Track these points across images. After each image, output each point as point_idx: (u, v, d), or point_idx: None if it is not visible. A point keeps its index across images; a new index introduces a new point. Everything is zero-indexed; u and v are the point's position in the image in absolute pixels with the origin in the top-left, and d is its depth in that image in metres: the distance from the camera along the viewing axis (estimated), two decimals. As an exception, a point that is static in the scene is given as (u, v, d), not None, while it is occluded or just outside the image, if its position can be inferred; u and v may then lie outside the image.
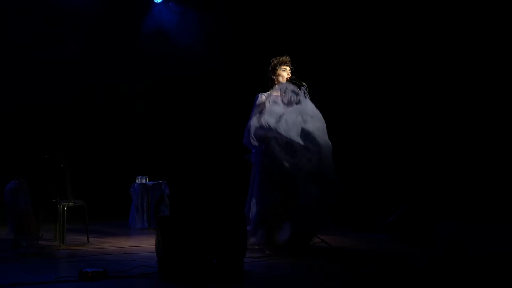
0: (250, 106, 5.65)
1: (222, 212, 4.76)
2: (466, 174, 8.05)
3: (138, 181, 7.78)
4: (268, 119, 5.32)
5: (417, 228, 6.03)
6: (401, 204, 6.32)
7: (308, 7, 8.74)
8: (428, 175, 8.12)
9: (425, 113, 8.35)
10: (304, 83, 5.56)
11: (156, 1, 9.63)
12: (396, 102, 8.39)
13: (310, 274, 4.40)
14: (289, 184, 5.22)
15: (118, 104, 9.35)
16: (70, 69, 8.94)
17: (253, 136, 5.40)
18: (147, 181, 7.81)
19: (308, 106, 5.43)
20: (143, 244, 5.87)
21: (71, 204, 5.88)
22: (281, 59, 5.67)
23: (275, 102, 5.58)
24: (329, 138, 5.48)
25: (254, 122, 5.42)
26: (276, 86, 5.64)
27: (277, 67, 5.66)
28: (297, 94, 5.46)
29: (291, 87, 5.50)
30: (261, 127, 5.34)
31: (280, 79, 5.65)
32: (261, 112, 5.48)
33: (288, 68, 5.67)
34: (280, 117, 5.32)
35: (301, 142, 5.27)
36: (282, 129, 5.27)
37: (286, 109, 5.41)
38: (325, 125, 5.42)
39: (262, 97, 5.61)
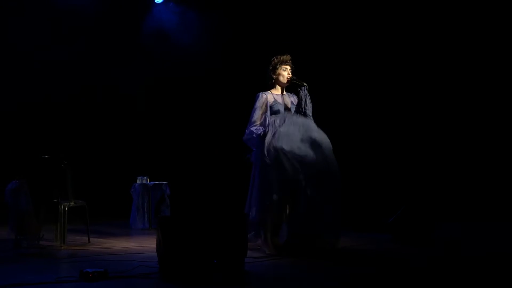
0: (250, 105, 5.65)
1: (222, 212, 4.77)
2: (466, 174, 8.05)
3: (138, 181, 7.79)
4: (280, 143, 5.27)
5: (417, 228, 6.03)
6: (401, 204, 6.32)
7: (309, 6, 8.74)
8: (428, 175, 8.12)
9: (425, 113, 8.35)
10: (305, 83, 5.56)
11: (156, 1, 9.63)
12: (396, 101, 8.39)
13: (310, 274, 4.40)
14: (289, 184, 5.22)
15: (119, 104, 9.36)
16: (70, 69, 8.95)
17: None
18: (148, 182, 7.81)
19: (312, 124, 5.43)
20: (144, 245, 5.88)
21: (72, 204, 5.89)
22: (281, 58, 5.67)
23: (276, 101, 5.59)
24: (329, 138, 5.50)
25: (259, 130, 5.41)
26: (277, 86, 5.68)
27: (277, 66, 5.66)
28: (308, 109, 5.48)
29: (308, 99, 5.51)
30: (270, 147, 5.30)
31: (281, 78, 5.65)
32: (263, 115, 5.49)
33: (288, 67, 5.67)
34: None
35: (303, 145, 5.28)
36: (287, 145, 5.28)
37: (289, 116, 5.41)
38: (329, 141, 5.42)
39: (263, 96, 5.61)
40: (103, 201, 8.25)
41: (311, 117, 5.49)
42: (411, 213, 6.13)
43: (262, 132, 5.38)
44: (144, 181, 7.80)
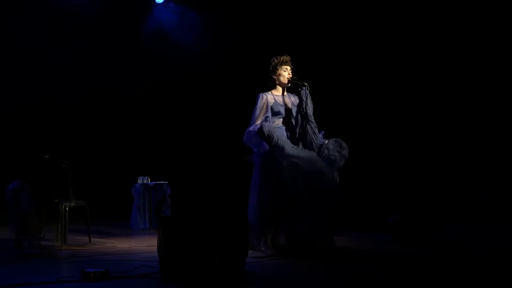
0: (250, 106, 5.65)
1: (223, 212, 4.77)
2: (467, 174, 8.05)
3: (139, 181, 7.80)
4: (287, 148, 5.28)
5: (418, 229, 6.02)
6: (403, 204, 6.31)
7: (309, 6, 8.74)
8: (430, 175, 8.11)
9: (426, 112, 8.34)
10: (306, 83, 5.56)
11: (157, 1, 9.63)
12: (397, 101, 8.38)
13: (311, 274, 4.40)
14: (290, 184, 5.22)
15: (119, 104, 9.36)
16: (70, 69, 8.96)
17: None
18: (149, 182, 7.82)
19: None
20: (145, 245, 5.88)
21: (73, 204, 5.89)
22: (281, 58, 5.67)
23: (276, 102, 5.60)
24: (330, 138, 5.52)
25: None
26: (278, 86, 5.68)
27: (278, 67, 5.66)
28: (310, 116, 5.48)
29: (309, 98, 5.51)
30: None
31: (282, 78, 5.66)
32: (264, 116, 5.50)
33: (289, 67, 5.68)
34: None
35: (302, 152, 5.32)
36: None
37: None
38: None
39: (263, 97, 5.61)
40: (104, 201, 8.26)
41: (312, 117, 5.49)
42: (412, 213, 6.12)
43: (258, 128, 5.36)
44: (145, 181, 7.80)
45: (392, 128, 8.37)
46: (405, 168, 8.16)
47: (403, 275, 4.29)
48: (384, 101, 8.45)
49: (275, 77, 5.67)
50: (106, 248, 5.65)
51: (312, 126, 5.47)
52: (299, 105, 5.54)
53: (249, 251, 4.48)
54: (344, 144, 5.46)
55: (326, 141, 5.48)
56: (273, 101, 5.60)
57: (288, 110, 5.63)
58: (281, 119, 5.61)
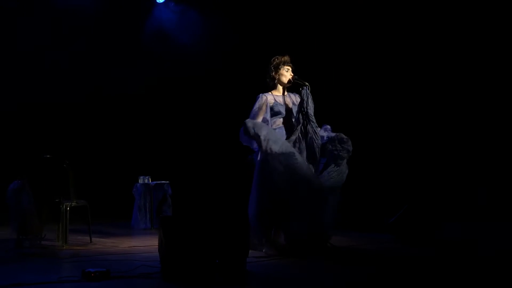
0: (251, 106, 5.65)
1: (224, 212, 4.78)
2: (467, 174, 8.05)
3: (140, 181, 7.80)
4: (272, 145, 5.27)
5: (419, 228, 6.03)
6: (403, 204, 6.32)
7: (309, 6, 8.74)
8: (430, 175, 8.11)
9: (427, 113, 8.34)
10: (307, 83, 5.56)
11: (158, 1, 9.63)
12: (398, 101, 8.39)
13: (310, 274, 4.41)
14: (289, 183, 5.23)
15: (120, 104, 9.37)
16: (70, 69, 8.96)
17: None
18: (150, 181, 7.82)
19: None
20: (146, 244, 5.89)
21: (73, 204, 5.90)
22: (283, 58, 5.68)
23: (276, 103, 5.60)
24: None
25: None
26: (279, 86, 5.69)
27: (280, 66, 5.66)
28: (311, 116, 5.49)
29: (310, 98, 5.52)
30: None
31: (283, 78, 5.66)
32: (262, 117, 5.51)
33: (290, 67, 5.69)
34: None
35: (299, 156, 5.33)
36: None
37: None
38: None
39: (263, 97, 5.61)
40: (105, 201, 8.27)
41: (313, 117, 5.50)
42: (413, 213, 6.13)
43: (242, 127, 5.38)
44: (146, 181, 7.81)
45: (392, 128, 8.37)
46: (405, 168, 8.16)
47: (404, 275, 4.30)
48: (385, 101, 8.45)
49: (277, 76, 5.67)
50: (107, 248, 5.65)
51: (313, 125, 5.47)
52: (300, 105, 5.54)
53: (250, 251, 4.48)
54: (344, 139, 5.48)
55: (327, 137, 5.53)
56: (273, 101, 5.61)
57: (288, 110, 5.63)
58: (282, 119, 5.61)
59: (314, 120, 5.51)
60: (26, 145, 8.32)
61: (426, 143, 8.28)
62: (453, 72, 8.26)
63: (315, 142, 5.45)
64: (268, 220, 5.27)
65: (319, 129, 5.57)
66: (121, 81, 9.13)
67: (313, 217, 5.21)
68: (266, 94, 5.65)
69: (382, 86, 8.50)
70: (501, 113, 8.11)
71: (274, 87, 5.72)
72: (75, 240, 6.10)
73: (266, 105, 5.57)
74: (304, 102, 5.50)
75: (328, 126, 5.69)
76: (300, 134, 5.46)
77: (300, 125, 5.46)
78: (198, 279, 4.05)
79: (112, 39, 9.11)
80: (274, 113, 5.57)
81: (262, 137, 5.22)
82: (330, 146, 5.48)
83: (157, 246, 4.42)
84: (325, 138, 5.57)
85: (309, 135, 5.45)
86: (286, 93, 5.74)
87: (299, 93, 5.60)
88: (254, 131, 5.26)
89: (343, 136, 5.53)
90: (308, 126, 5.46)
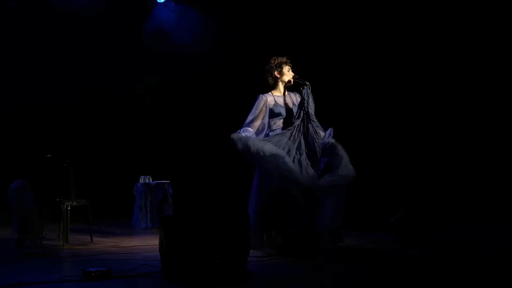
0: (251, 106, 5.66)
1: (225, 212, 4.78)
2: (467, 174, 8.05)
3: (141, 180, 7.80)
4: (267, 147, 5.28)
5: (419, 228, 6.03)
6: (404, 203, 6.32)
7: (309, 6, 8.75)
8: (430, 175, 8.11)
9: (427, 113, 8.35)
10: (307, 82, 5.57)
11: (158, 1, 9.63)
12: (398, 101, 8.39)
13: (311, 274, 4.41)
14: (289, 183, 5.23)
15: (121, 103, 9.37)
16: (70, 69, 8.96)
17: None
18: (151, 181, 7.83)
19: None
20: (147, 244, 5.89)
21: (74, 203, 5.90)
22: (283, 58, 5.68)
23: (276, 104, 5.60)
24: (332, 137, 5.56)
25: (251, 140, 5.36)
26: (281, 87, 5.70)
27: (282, 65, 5.66)
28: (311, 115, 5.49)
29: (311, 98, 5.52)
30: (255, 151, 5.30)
31: (285, 78, 5.66)
32: (261, 118, 5.51)
33: (290, 67, 5.70)
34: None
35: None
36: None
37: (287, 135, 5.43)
38: None
39: (263, 98, 5.61)
40: (106, 200, 8.27)
41: (314, 116, 5.50)
42: (413, 213, 6.13)
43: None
44: (147, 180, 7.81)
45: (392, 128, 8.37)
46: (405, 168, 8.17)
47: (404, 275, 4.30)
48: (385, 101, 8.45)
49: (278, 76, 5.67)
50: (108, 248, 5.66)
51: (314, 125, 5.48)
52: (301, 104, 5.54)
53: (250, 251, 4.49)
54: (338, 149, 5.49)
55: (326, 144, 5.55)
56: (273, 102, 5.60)
57: (289, 110, 5.63)
58: (282, 120, 5.62)
59: (315, 120, 5.52)
60: (27, 144, 8.32)
61: (426, 143, 8.28)
62: (453, 72, 8.26)
63: (316, 142, 5.46)
64: (268, 220, 5.28)
65: (320, 128, 5.57)
66: (121, 81, 9.13)
67: (306, 218, 5.21)
68: (266, 94, 5.65)
69: (382, 86, 8.50)
70: (501, 113, 8.11)
71: (274, 87, 5.72)
72: (76, 239, 6.10)
73: (266, 107, 5.56)
74: (305, 101, 5.50)
75: (329, 130, 5.68)
76: (299, 132, 5.46)
77: (300, 119, 5.45)
78: (198, 279, 4.05)
79: (112, 39, 9.11)
80: (274, 114, 5.56)
81: (252, 148, 5.23)
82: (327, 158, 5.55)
83: (158, 246, 4.43)
84: (325, 138, 5.58)
85: (310, 135, 5.45)
86: (286, 92, 5.74)
87: (299, 92, 5.60)
88: (242, 143, 5.27)
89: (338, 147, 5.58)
90: (309, 126, 5.46)
